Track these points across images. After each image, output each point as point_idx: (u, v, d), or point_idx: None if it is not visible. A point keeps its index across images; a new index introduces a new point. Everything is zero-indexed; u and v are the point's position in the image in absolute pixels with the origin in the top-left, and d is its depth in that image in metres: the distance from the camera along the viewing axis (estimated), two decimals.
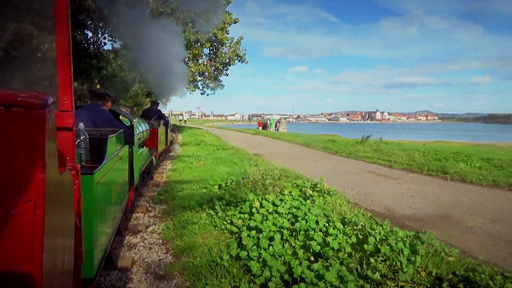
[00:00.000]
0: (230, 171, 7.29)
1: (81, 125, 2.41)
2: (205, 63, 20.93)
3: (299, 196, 4.66)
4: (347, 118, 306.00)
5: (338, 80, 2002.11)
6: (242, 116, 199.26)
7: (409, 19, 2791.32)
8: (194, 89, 22.05)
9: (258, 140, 19.17)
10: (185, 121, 54.98)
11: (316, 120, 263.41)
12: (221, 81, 23.76)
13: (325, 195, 5.09)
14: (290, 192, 4.74)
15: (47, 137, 0.93)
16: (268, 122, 37.33)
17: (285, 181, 5.93)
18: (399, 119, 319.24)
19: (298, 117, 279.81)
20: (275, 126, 35.24)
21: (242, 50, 20.77)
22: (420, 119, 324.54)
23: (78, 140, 2.28)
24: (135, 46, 11.02)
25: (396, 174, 8.31)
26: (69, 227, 1.37)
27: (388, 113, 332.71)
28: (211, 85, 22.86)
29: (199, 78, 21.90)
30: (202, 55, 20.18)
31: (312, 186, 5.41)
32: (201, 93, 24.77)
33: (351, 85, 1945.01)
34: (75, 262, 1.50)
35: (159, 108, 9.57)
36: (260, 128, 36.64)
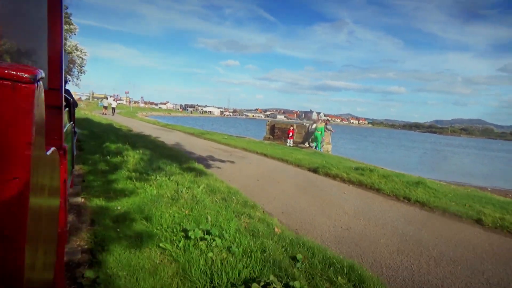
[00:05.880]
0: None
1: None
2: None
3: None
4: (284, 116, 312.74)
5: (268, 77, 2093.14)
6: (174, 105, 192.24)
7: (339, 26, 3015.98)
8: None
9: None
10: (113, 108, 38.67)
11: (253, 116, 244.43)
12: None
13: None
14: None
15: (35, 113, 0.89)
16: (312, 130, 19.36)
17: None
18: (334, 121, 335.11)
19: (235, 111, 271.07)
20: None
21: None
22: (352, 122, 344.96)
23: None
24: None
25: None
26: (54, 208, 1.39)
27: (324, 114, 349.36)
28: None
29: None
30: None
31: None
32: None
33: (281, 84, 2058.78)
34: (59, 244, 1.54)
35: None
36: (290, 141, 19.33)
